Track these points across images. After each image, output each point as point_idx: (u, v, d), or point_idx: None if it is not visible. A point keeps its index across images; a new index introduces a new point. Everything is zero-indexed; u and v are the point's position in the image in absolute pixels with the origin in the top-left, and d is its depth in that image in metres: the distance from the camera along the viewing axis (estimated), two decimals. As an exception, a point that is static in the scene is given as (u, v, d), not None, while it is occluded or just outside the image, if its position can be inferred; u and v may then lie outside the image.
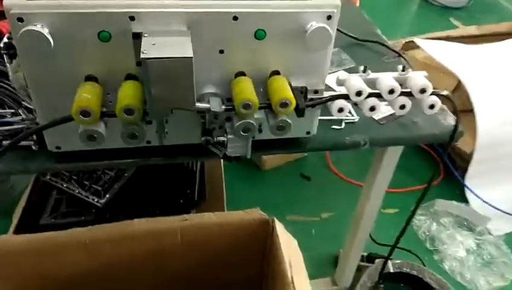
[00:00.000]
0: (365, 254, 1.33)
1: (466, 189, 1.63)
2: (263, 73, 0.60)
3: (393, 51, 0.98)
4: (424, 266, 1.32)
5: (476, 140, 1.54)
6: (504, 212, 1.59)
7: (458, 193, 1.66)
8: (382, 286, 1.25)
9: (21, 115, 0.68)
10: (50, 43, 0.50)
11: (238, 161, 0.64)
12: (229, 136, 0.60)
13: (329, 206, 1.57)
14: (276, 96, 0.56)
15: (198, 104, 0.55)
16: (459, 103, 1.67)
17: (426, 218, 1.55)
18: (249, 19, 0.55)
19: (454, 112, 0.73)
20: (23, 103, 0.71)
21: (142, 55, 0.48)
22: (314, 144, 0.71)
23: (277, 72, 0.60)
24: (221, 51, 0.57)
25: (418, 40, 1.64)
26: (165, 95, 0.51)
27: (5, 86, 0.75)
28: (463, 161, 1.64)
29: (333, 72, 0.90)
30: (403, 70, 0.64)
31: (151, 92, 0.50)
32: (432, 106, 0.65)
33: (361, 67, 0.63)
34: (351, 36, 0.99)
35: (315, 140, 0.71)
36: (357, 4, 1.22)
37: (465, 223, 1.57)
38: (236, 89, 0.57)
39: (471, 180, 1.62)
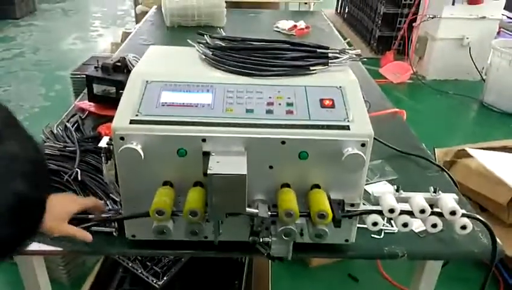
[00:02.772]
0: None
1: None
2: (305, 185, 0.71)
3: (436, 165, 1.06)
4: None
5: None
6: None
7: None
8: None
9: (108, 206, 0.84)
10: (141, 156, 0.66)
11: (280, 261, 0.72)
12: (273, 238, 0.69)
13: (377, 311, 1.53)
14: (315, 208, 0.66)
15: (248, 209, 0.66)
16: (518, 215, 1.63)
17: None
18: (294, 144, 0.67)
19: (490, 234, 0.76)
20: (111, 195, 0.88)
21: (209, 171, 0.61)
22: (352, 251, 0.78)
23: (317, 186, 0.70)
24: (271, 167, 0.69)
25: (470, 150, 1.68)
26: (223, 202, 0.63)
27: (99, 179, 0.92)
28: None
29: (375, 182, 0.98)
30: (435, 192, 0.72)
31: (212, 199, 0.63)
32: (463, 227, 0.70)
33: (395, 186, 0.71)
34: (394, 149, 1.09)
35: (354, 247, 0.78)
36: (404, 117, 1.32)
37: None
38: (281, 199, 0.68)
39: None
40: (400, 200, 0.71)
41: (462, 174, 1.66)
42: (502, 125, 2.96)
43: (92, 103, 1.26)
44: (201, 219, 0.66)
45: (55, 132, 1.10)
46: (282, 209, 0.66)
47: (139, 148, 0.66)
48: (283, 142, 0.67)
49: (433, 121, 2.93)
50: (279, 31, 2.07)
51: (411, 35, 3.66)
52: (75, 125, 1.14)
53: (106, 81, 1.20)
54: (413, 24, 3.63)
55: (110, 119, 1.10)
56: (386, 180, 0.99)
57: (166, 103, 0.71)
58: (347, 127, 0.68)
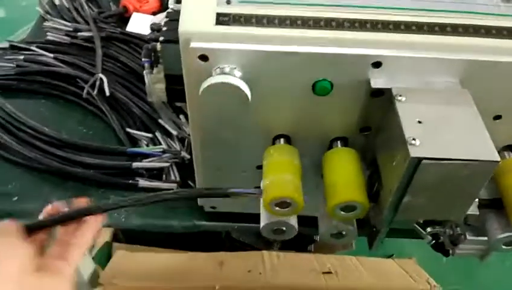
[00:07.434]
0: None
1: None
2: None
3: None
4: None
5: None
6: None
7: None
8: None
9: (160, 144, 0.52)
10: (246, 98, 0.31)
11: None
12: (470, 236, 0.39)
13: None
14: None
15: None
16: None
17: None
18: None
19: None
20: (161, 122, 0.55)
21: (412, 152, 0.27)
22: None
23: None
24: (498, 117, 0.35)
25: None
26: (423, 203, 0.31)
27: (138, 92, 0.59)
28: None
29: None
30: None
31: (401, 199, 0.30)
32: None
33: None
34: None
35: None
36: None
37: None
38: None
39: None
40: None
41: None
42: None
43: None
44: (362, 215, 0.34)
45: (57, 2, 0.72)
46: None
47: (241, 83, 0.31)
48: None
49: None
50: None
51: None
52: (86, -9, 0.75)
53: None
54: None
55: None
56: None
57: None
58: None
